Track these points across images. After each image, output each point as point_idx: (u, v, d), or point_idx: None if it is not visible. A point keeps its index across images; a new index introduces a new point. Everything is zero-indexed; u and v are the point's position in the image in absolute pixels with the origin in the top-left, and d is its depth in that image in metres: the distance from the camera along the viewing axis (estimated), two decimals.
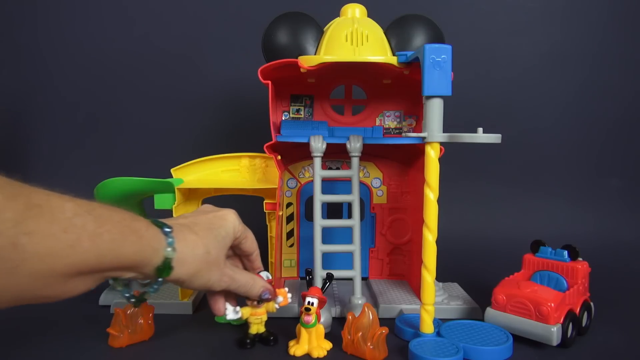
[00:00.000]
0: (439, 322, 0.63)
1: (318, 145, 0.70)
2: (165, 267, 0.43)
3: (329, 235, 0.79)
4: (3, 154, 1.25)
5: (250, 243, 0.57)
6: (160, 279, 0.44)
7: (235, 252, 0.58)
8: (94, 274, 0.37)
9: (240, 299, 0.59)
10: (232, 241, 0.53)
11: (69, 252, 0.33)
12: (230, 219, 0.53)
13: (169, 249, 0.43)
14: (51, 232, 0.32)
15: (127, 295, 0.50)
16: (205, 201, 0.81)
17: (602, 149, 1.23)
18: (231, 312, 0.59)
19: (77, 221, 0.34)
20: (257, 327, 0.62)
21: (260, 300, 0.58)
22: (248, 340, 0.61)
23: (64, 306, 0.74)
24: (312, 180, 0.71)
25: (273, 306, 0.61)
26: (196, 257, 0.46)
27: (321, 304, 0.59)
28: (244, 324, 0.68)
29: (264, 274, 0.60)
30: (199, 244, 0.47)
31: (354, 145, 0.70)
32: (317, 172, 0.71)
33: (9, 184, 0.31)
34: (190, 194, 0.78)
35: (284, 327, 0.64)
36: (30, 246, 0.31)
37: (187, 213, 0.53)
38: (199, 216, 0.51)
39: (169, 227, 0.45)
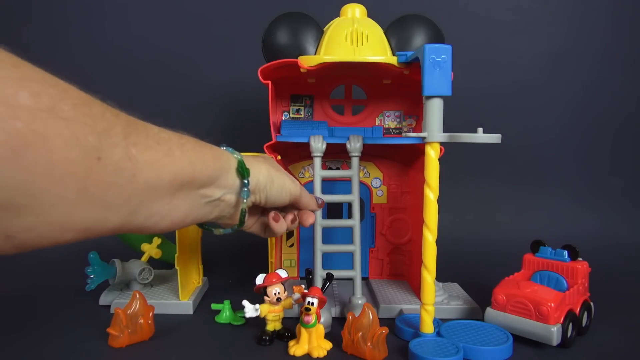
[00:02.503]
0: (439, 322, 0.63)
1: (318, 145, 0.70)
2: (243, 167, 0.45)
3: (329, 235, 0.79)
4: None
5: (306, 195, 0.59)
6: (246, 181, 0.45)
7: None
8: (191, 190, 0.39)
9: (255, 298, 0.59)
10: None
11: (167, 161, 0.35)
12: (267, 157, 0.56)
13: (236, 155, 0.46)
14: (149, 144, 0.34)
15: (230, 231, 0.51)
16: None
17: (602, 148, 1.23)
18: (250, 310, 0.60)
19: (164, 135, 0.37)
20: (274, 324, 0.62)
21: (319, 206, 0.61)
22: (266, 337, 0.61)
23: (64, 306, 0.75)
24: (312, 180, 0.71)
25: (290, 303, 0.62)
26: (260, 161, 0.49)
27: (321, 304, 0.59)
28: (243, 325, 0.68)
29: (261, 277, 0.62)
30: (258, 156, 0.51)
31: (354, 145, 0.70)
32: (317, 172, 0.71)
33: (110, 107, 0.33)
34: None
35: (284, 327, 0.64)
36: (139, 156, 0.33)
37: None
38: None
39: (225, 145, 0.48)
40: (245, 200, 0.46)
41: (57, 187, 0.27)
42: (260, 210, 0.55)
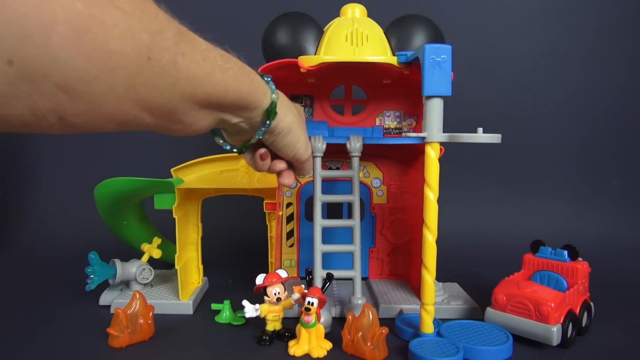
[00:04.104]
0: (439, 322, 0.63)
1: (318, 145, 0.70)
2: (273, 109, 0.45)
3: (329, 235, 0.79)
4: (3, 154, 1.25)
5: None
6: (268, 122, 0.45)
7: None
8: (214, 111, 0.39)
9: (255, 298, 0.59)
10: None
11: (206, 80, 0.35)
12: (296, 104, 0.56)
13: (274, 95, 0.45)
14: (195, 59, 0.34)
15: (227, 147, 0.51)
16: (205, 201, 0.81)
17: (602, 148, 1.23)
18: (250, 310, 0.60)
19: (211, 54, 0.36)
20: (274, 324, 0.62)
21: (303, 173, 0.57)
22: (266, 337, 0.61)
23: (64, 306, 0.75)
24: (312, 180, 0.71)
25: (290, 303, 0.62)
26: (291, 111, 0.49)
27: (321, 304, 0.59)
28: (243, 325, 0.68)
29: (261, 277, 0.62)
30: (292, 105, 0.50)
31: (354, 145, 0.70)
32: (317, 172, 0.71)
33: (162, 11, 0.33)
34: (190, 194, 0.78)
35: (284, 327, 0.64)
36: (184, 67, 0.32)
37: None
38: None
39: (268, 77, 0.47)
40: (257, 137, 0.46)
41: (110, 79, 0.28)
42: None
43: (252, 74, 0.43)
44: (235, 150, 0.50)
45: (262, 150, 0.52)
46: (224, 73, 0.37)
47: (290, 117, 0.48)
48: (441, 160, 0.59)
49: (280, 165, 0.54)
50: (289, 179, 0.55)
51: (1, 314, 0.72)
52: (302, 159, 0.52)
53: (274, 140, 0.48)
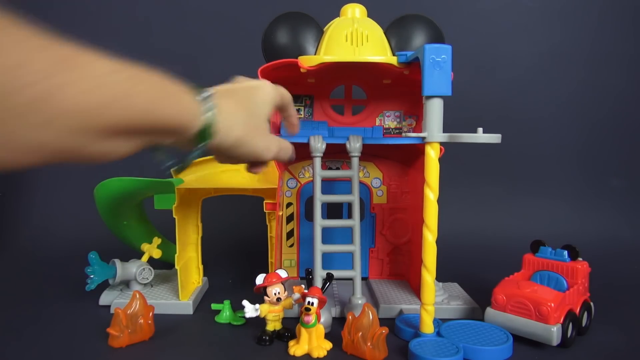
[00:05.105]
0: (439, 322, 0.63)
1: (318, 145, 0.70)
2: (207, 131, 0.40)
3: (329, 235, 0.79)
4: None
5: (286, 98, 0.55)
6: (202, 144, 0.41)
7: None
8: (134, 136, 0.35)
9: (255, 298, 0.60)
10: (271, 110, 0.51)
11: (106, 109, 0.32)
12: (265, 87, 0.51)
13: (210, 114, 0.40)
14: (86, 87, 0.30)
15: (168, 164, 0.45)
16: (205, 201, 0.81)
17: (602, 149, 1.23)
18: (250, 310, 0.60)
19: (112, 78, 0.32)
20: (274, 324, 0.62)
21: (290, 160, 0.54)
22: (266, 337, 0.61)
23: (64, 306, 0.75)
24: (312, 180, 0.71)
25: (290, 303, 0.62)
26: (239, 121, 0.44)
27: (321, 304, 0.59)
28: (243, 325, 0.68)
29: (261, 277, 0.62)
30: (241, 108, 0.45)
31: (354, 145, 0.70)
32: (317, 172, 0.71)
33: (38, 35, 0.30)
34: (190, 194, 0.78)
35: (284, 327, 0.64)
36: (65, 100, 0.29)
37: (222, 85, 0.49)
38: (236, 85, 0.49)
39: (208, 91, 0.42)
40: (191, 159, 0.42)
41: None
42: None
43: (180, 93, 0.38)
44: (174, 166, 0.45)
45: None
46: (132, 98, 0.33)
47: (236, 132, 0.43)
48: (441, 160, 0.59)
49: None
50: (256, 168, 0.51)
51: (1, 314, 0.72)
52: (266, 158, 0.48)
53: (224, 155, 0.45)
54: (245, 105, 0.46)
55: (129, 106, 0.33)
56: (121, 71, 0.33)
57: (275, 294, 0.61)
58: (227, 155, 0.45)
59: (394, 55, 0.69)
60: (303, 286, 0.62)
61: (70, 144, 0.31)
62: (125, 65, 0.34)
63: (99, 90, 0.31)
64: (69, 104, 0.29)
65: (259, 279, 0.62)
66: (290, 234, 0.86)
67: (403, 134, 0.68)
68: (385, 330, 0.56)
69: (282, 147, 0.51)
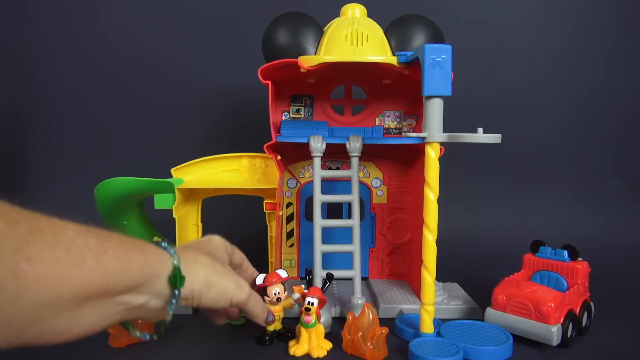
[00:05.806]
0: (439, 322, 0.63)
1: (318, 145, 0.70)
2: (177, 275, 0.40)
3: (328, 235, 0.79)
4: (3, 154, 1.25)
5: (238, 254, 0.58)
6: (176, 292, 0.41)
7: None
8: (104, 300, 0.35)
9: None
10: (226, 254, 0.53)
11: (73, 273, 0.32)
12: (215, 238, 0.53)
13: (175, 260, 0.41)
14: (53, 255, 0.30)
15: (147, 337, 0.47)
16: (205, 201, 0.81)
17: (602, 148, 1.23)
18: None
19: (79, 240, 0.33)
20: (274, 324, 0.62)
21: (266, 322, 0.56)
22: (267, 337, 0.61)
23: None
24: (312, 180, 0.71)
25: (290, 303, 0.62)
26: (202, 264, 0.45)
27: (321, 304, 0.59)
28: (243, 325, 0.68)
29: (261, 277, 0.61)
30: (200, 253, 0.46)
31: (354, 145, 0.70)
32: (317, 172, 0.71)
33: (11, 210, 0.31)
34: (190, 194, 0.78)
35: (284, 327, 0.64)
36: (32, 272, 0.29)
37: None
38: (186, 244, 0.51)
39: (165, 242, 0.43)
40: (170, 313, 0.42)
41: None
42: None
43: (144, 245, 0.39)
44: (155, 337, 0.46)
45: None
46: (99, 256, 0.33)
47: (203, 271, 0.44)
48: (441, 160, 0.59)
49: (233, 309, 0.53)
50: (221, 319, 0.54)
51: None
52: (241, 301, 0.47)
53: (200, 302, 0.44)
54: (203, 251, 0.47)
55: (98, 264, 0.33)
56: (88, 232, 0.34)
57: (275, 294, 0.61)
58: (202, 304, 0.45)
59: (394, 55, 0.69)
60: (303, 286, 0.62)
61: (39, 318, 0.31)
62: (91, 228, 0.34)
63: (69, 254, 0.31)
64: (38, 274, 0.29)
65: (259, 279, 0.62)
66: (290, 234, 0.86)
67: (403, 134, 0.68)
68: (385, 330, 0.56)
69: (258, 304, 0.52)
